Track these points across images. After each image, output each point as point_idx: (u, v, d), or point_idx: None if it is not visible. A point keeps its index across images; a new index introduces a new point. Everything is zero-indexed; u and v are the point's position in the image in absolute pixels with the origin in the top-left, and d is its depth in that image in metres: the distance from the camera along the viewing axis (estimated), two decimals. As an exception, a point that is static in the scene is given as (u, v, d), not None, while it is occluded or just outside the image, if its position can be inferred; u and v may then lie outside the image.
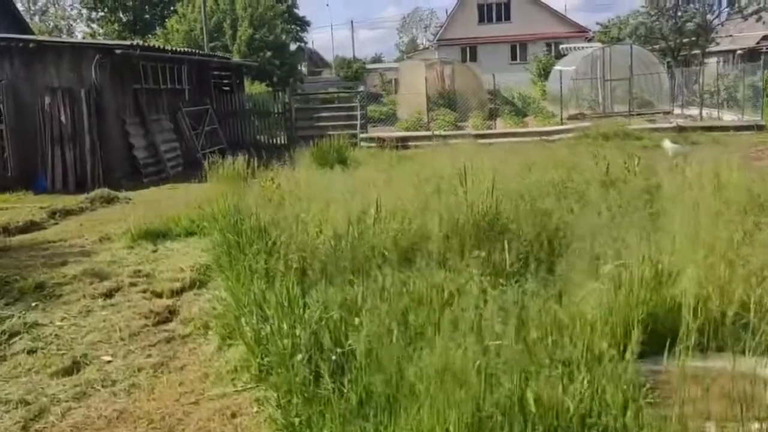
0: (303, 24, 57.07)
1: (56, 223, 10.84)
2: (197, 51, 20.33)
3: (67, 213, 11.42)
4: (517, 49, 51.16)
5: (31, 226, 10.33)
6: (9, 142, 14.56)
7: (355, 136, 20.00)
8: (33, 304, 5.94)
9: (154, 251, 8.06)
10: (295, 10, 53.76)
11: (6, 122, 14.51)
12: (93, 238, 9.29)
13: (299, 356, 3.35)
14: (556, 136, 19.63)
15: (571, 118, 25.91)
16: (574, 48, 43.30)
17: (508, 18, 51.50)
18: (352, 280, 4.27)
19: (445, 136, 20.28)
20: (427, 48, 63.15)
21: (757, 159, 12.30)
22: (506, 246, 4.69)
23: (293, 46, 51.26)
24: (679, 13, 30.19)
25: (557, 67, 34.35)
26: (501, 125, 24.51)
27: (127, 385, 4.33)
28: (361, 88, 34.17)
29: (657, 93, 28.23)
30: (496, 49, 49.37)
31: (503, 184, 6.54)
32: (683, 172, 8.67)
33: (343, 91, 35.31)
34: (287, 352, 3.48)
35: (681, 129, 19.05)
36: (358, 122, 20.77)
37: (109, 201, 12.38)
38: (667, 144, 12.60)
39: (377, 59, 76.08)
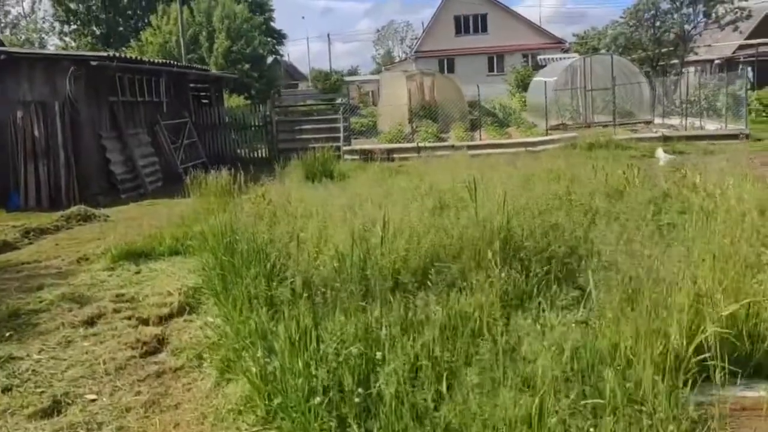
0: (279, 37, 56.77)
1: (30, 243, 10.27)
2: (175, 62, 19.81)
3: (41, 232, 10.85)
4: (494, 61, 51.56)
5: (3, 247, 9.76)
6: (-21, 158, 13.92)
7: (338, 148, 19.61)
8: (7, 334, 5.43)
9: (137, 273, 7.57)
10: (272, 23, 53.47)
11: (-25, 137, 13.87)
12: (70, 258, 8.77)
13: (317, 398, 2.95)
14: (541, 147, 19.46)
15: (553, 128, 25.87)
16: (553, 59, 43.59)
17: (484, 30, 51.91)
18: (364, 306, 3.88)
19: (430, 148, 20.08)
20: (405, 60, 63.30)
21: (752, 168, 12.15)
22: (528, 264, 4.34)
23: (269, 59, 50.91)
24: (658, 23, 30.44)
25: (537, 78, 34.45)
26: (484, 136, 24.36)
27: (115, 428, 3.87)
28: (340, 100, 33.75)
29: (637, 103, 28.32)
30: (474, 60, 49.66)
31: (507, 197, 6.23)
32: (684, 180, 8.47)
33: (322, 102, 34.99)
34: (302, 393, 3.07)
35: (666, 138, 19.01)
36: (342, 135, 20.40)
37: (86, 219, 11.82)
38: (660, 153, 12.43)
39: (353, 72, 76.08)
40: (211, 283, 5.66)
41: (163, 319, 5.68)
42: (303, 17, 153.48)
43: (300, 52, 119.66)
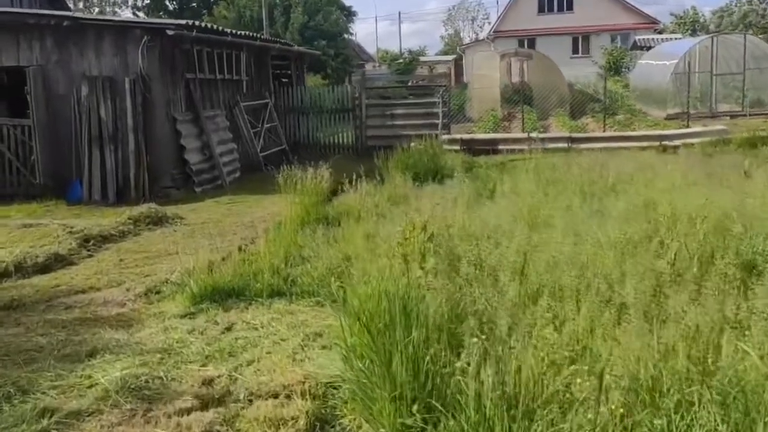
0: (349, 14, 54.25)
1: (89, 255, 8.18)
2: (258, 35, 17.54)
3: (103, 239, 8.75)
4: (579, 42, 48.16)
5: (54, 262, 7.67)
6: (38, 141, 12.01)
7: (434, 136, 16.94)
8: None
9: (228, 329, 5.24)
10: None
11: (34, 117, 11.95)
12: (136, 288, 6.57)
13: None
14: (680, 141, 16.37)
15: (670, 118, 22.64)
16: (656, 39, 39.68)
17: (570, 8, 48.52)
18: None
19: (542, 140, 17.24)
20: (480, 40, 59.67)
21: None
22: None
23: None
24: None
25: (644, 61, 30.98)
26: (593, 125, 21.34)
27: None
28: (411, 82, 30.78)
29: (769, 90, 24.57)
30: (557, 41, 46.20)
31: None
32: None
33: (396, 84, 32.23)
34: None
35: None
36: (440, 121, 17.75)
37: (157, 222, 9.69)
38: None
39: (420, 52, 72.55)
40: (377, 412, 3.18)
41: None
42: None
43: (365, 31, 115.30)
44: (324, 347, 4.59)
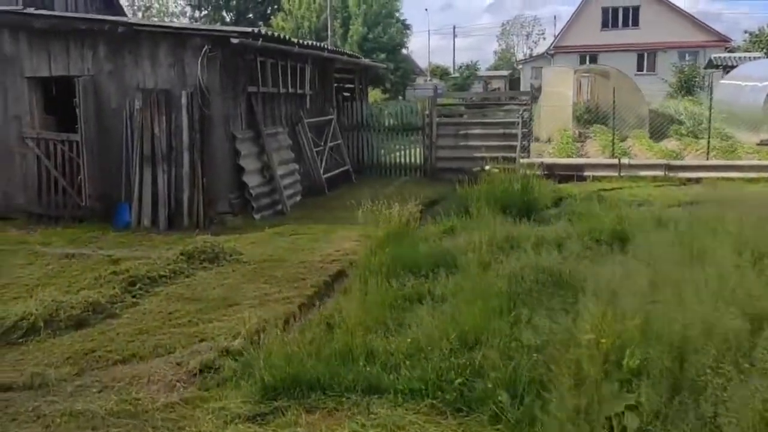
0: (405, 27, 53.12)
1: (134, 303, 6.83)
2: (325, 46, 16.23)
3: (151, 282, 7.38)
4: (645, 58, 46.00)
5: (92, 314, 6.32)
6: (86, 159, 10.84)
7: (511, 160, 15.26)
8: None
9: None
10: (396, 13, 49.89)
11: (83, 133, 10.79)
12: (189, 362, 5.13)
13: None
14: (800, 173, 14.33)
15: (764, 143, 20.51)
16: (737, 58, 37.21)
17: (635, 23, 46.65)
18: None
19: (635, 166, 15.41)
20: (537, 56, 57.63)
21: None
22: None
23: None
24: None
25: (729, 81, 28.78)
26: (680, 149, 19.30)
27: None
28: (465, 100, 28.96)
29: None
30: (621, 57, 44.11)
31: None
32: None
33: (459, 101, 30.59)
34: None
35: None
36: (518, 143, 16.05)
37: (213, 258, 8.29)
38: None
39: (474, 67, 70.86)
40: None
41: None
42: (426, 9, 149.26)
43: (415, 46, 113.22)
44: None
